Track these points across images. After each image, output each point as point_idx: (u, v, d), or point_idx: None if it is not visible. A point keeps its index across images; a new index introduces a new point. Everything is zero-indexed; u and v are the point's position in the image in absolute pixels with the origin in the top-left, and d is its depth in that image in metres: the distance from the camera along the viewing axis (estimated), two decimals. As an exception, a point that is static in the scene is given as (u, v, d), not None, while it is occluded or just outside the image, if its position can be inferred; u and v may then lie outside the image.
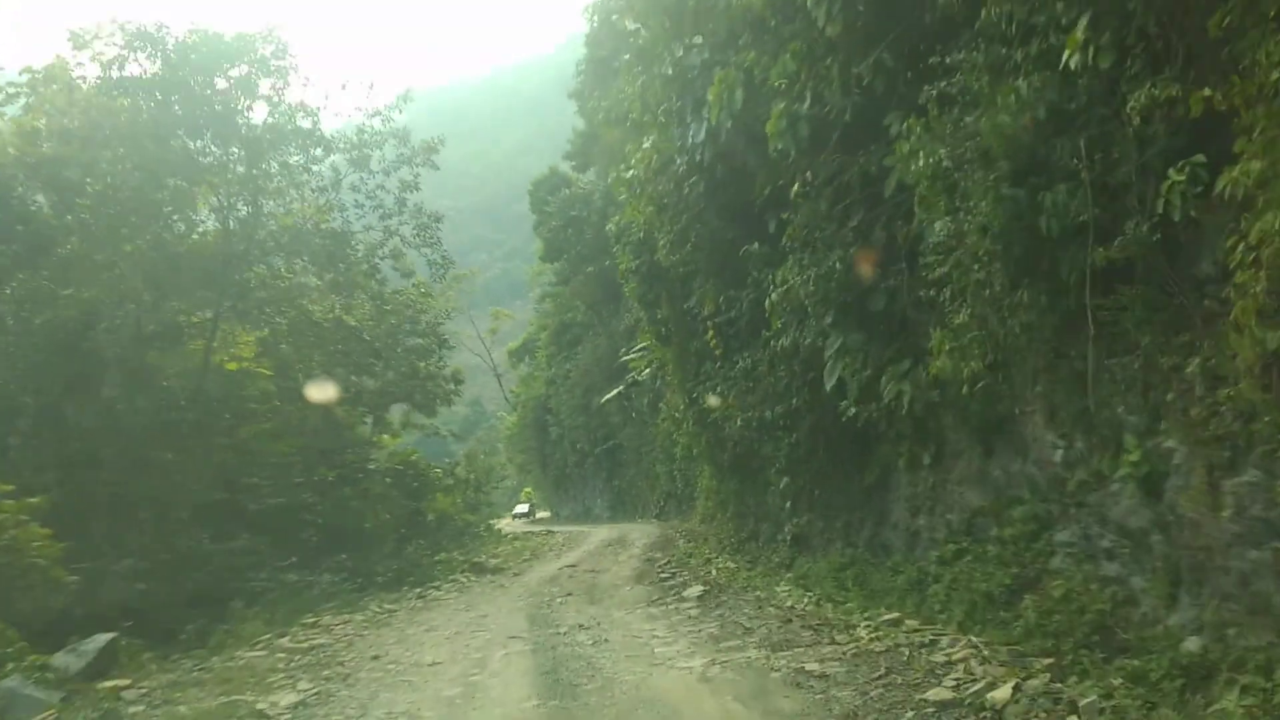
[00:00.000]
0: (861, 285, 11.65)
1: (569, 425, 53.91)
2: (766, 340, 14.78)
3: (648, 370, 26.67)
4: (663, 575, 17.08)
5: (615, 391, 28.27)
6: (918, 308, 11.24)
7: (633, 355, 26.31)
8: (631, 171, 16.58)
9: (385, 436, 37.12)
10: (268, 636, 12.85)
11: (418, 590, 18.15)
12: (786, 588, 12.95)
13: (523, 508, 58.99)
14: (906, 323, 11.53)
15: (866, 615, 10.07)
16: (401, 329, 29.29)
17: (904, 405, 11.54)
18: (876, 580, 12.70)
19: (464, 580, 19.78)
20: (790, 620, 10.47)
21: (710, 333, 16.97)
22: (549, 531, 40.26)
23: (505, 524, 46.00)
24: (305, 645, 11.73)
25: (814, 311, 12.14)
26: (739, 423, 15.62)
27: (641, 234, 18.12)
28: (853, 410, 12.59)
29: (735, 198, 14.54)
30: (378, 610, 15.37)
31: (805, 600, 11.70)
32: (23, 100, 20.01)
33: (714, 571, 16.56)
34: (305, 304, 24.20)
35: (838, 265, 11.52)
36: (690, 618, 11.74)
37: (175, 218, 20.64)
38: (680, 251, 16.29)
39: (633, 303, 21.49)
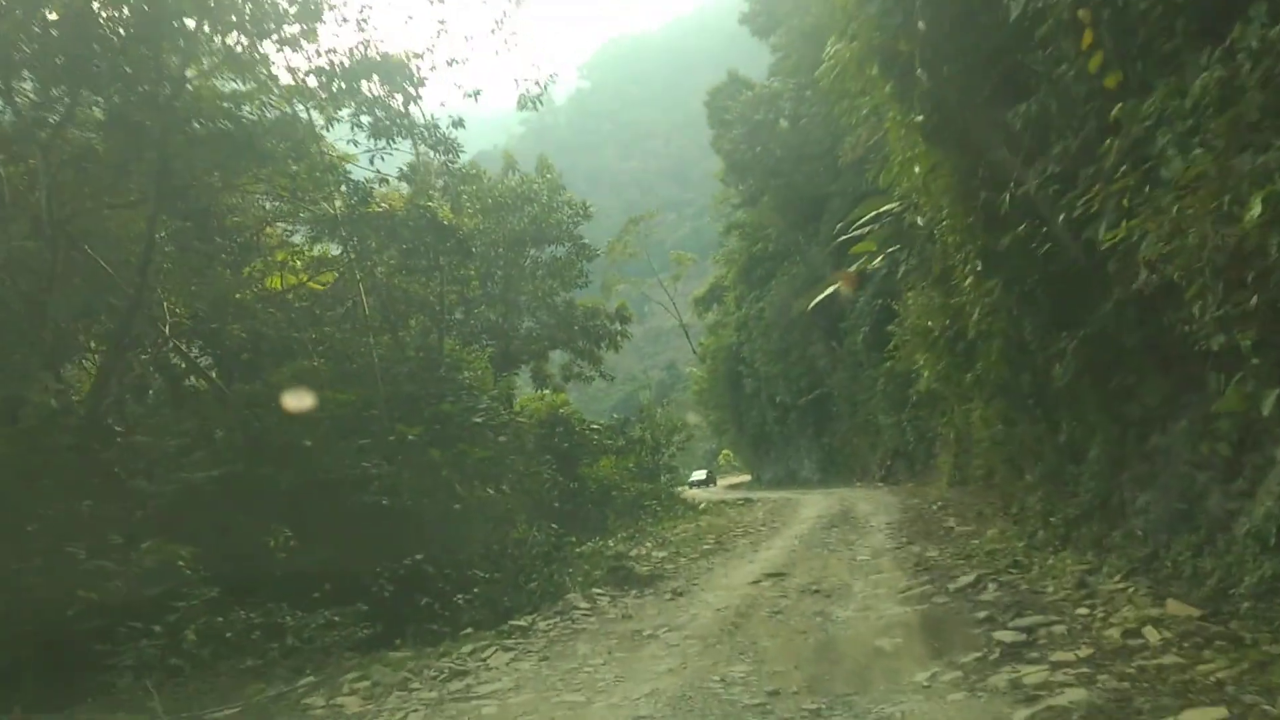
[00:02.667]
0: None
1: (765, 374, 43.70)
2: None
3: (880, 260, 16.10)
4: (993, 620, 6.90)
5: (827, 292, 17.69)
6: None
7: (859, 229, 15.76)
8: None
9: (545, 391, 28.49)
10: None
11: (468, 650, 8.62)
12: None
13: (700, 474, 48.84)
14: None
15: None
16: (521, 229, 20.10)
17: None
18: None
19: (580, 612, 10.18)
20: None
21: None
22: (745, 500, 30.32)
23: (693, 494, 36.45)
24: None
25: None
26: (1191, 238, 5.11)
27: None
28: None
29: None
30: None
31: None
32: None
33: (1125, 614, 6.21)
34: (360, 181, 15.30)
35: None
36: None
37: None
38: None
39: (864, 86, 10.98)
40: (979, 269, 10.44)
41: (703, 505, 28.43)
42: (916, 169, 10.85)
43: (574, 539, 18.04)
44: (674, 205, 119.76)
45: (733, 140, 39.12)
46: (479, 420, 17.08)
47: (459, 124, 14.85)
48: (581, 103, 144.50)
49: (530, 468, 18.89)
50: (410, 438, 15.45)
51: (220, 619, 8.79)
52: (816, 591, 9.86)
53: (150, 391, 17.37)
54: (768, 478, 50.88)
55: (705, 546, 16.60)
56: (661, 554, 16.02)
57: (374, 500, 14.32)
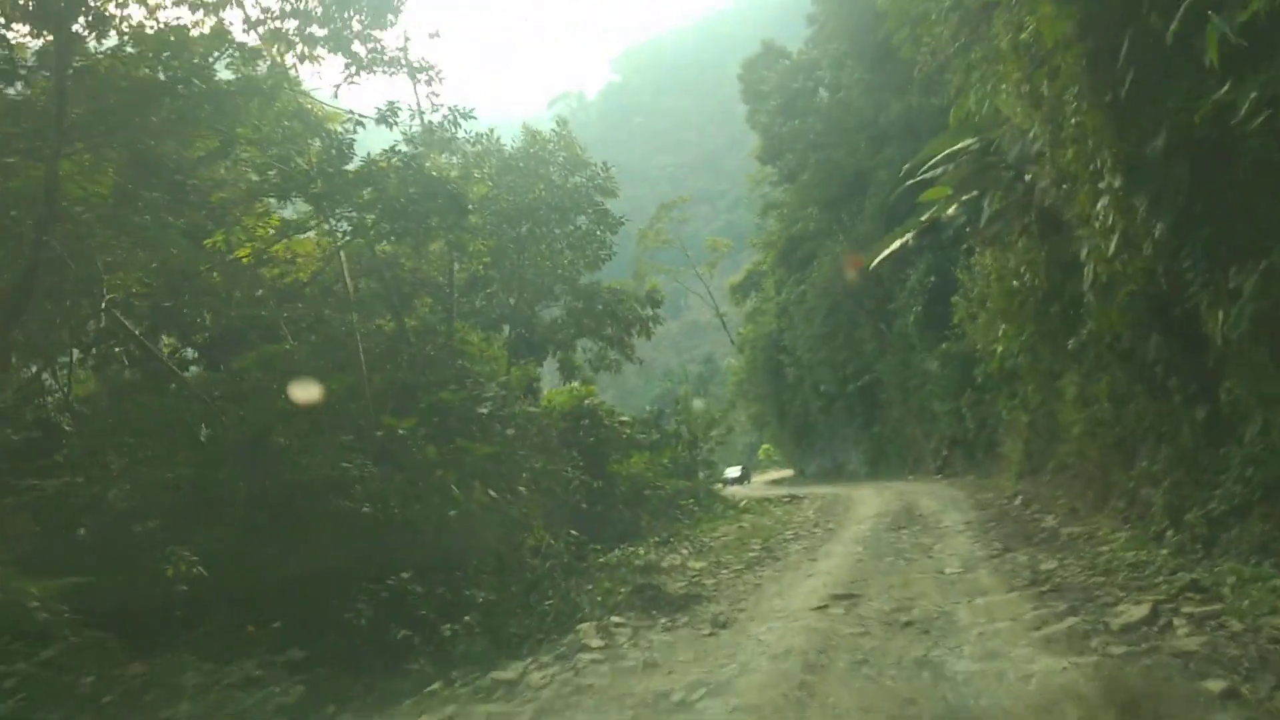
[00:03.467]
0: None
1: (808, 362, 40.82)
2: None
3: (955, 208, 13.22)
4: (1236, 695, 4.14)
5: (893, 246, 14.58)
6: None
7: (928, 172, 12.85)
8: None
9: (573, 384, 25.99)
10: None
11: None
12: None
13: (734, 471, 45.20)
14: None
15: None
16: (535, 198, 17.50)
17: None
18: None
19: (588, 656, 7.56)
20: None
21: None
22: (791, 497, 27.55)
23: (731, 492, 33.69)
24: None
25: None
26: None
27: None
28: None
29: None
30: None
31: None
32: None
33: None
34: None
35: None
36: None
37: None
38: None
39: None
40: (1117, 186, 7.67)
41: (743, 503, 25.77)
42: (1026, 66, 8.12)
43: (598, 546, 15.50)
44: (707, 198, 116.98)
45: (769, 112, 36.31)
46: (484, 411, 14.55)
47: (435, 36, 12.35)
48: (612, 97, 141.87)
49: (548, 465, 16.33)
50: (400, 432, 12.97)
51: (92, 678, 6.31)
52: (908, 624, 7.17)
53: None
54: (811, 471, 47.98)
55: (750, 554, 13.94)
56: (699, 564, 13.38)
57: (353, 508, 11.85)
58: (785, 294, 41.68)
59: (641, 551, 15.59)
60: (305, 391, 12.87)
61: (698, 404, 37.21)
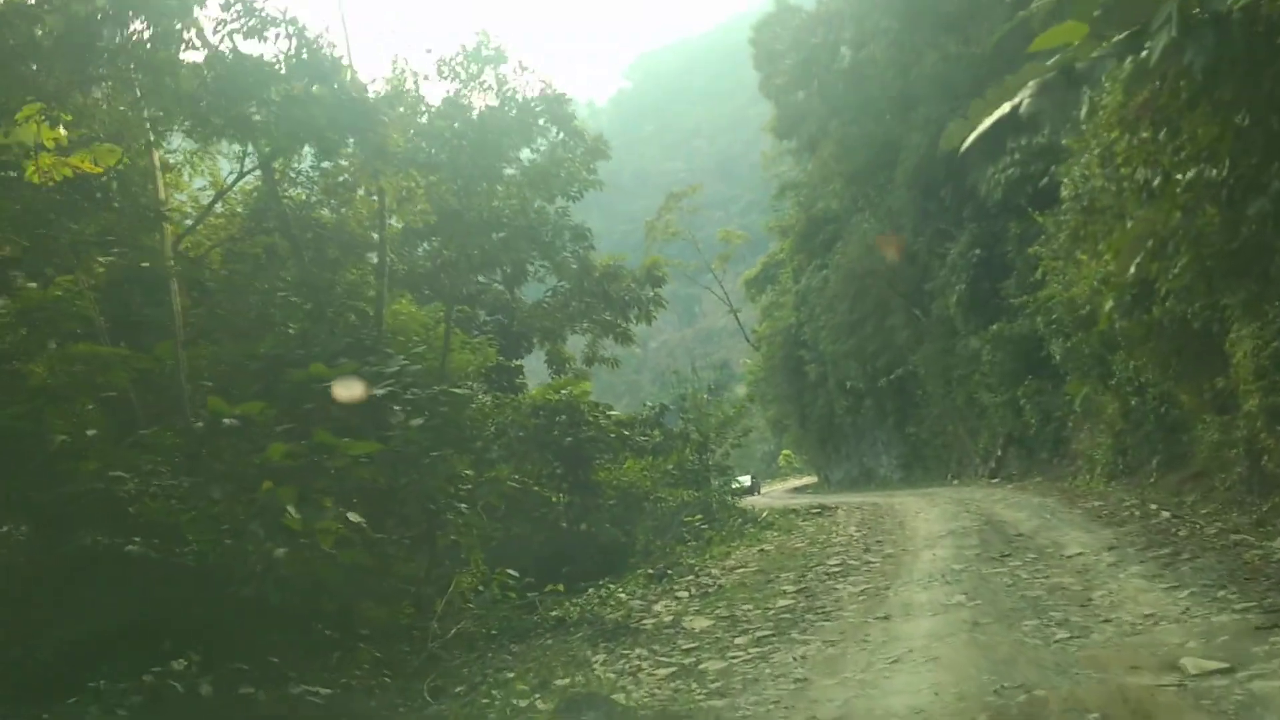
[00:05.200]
0: None
1: (832, 356, 35.47)
2: None
3: (1096, 52, 8.12)
4: None
5: (1010, 104, 8.85)
6: None
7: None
8: None
9: (580, 378, 20.89)
10: None
11: None
12: None
13: (744, 479, 39.07)
14: None
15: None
16: (481, 121, 12.42)
17: None
18: None
19: None
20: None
21: None
22: (820, 508, 22.11)
23: (755, 502, 28.41)
24: None
25: None
26: None
27: None
28: None
29: None
30: None
31: None
32: None
33: None
34: None
35: None
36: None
37: None
38: None
39: None
40: None
41: (764, 515, 20.57)
42: None
43: (560, 587, 10.38)
44: (720, 203, 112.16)
45: (785, 74, 31.13)
46: (382, 393, 9.46)
47: None
48: (623, 104, 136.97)
49: (487, 473, 11.22)
50: (227, 422, 7.93)
51: None
52: None
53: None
54: (837, 478, 42.58)
55: (782, 600, 8.72)
56: (702, 622, 8.20)
57: (118, 545, 6.84)
58: (805, 281, 36.43)
59: (622, 595, 10.47)
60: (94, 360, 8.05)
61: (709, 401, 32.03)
